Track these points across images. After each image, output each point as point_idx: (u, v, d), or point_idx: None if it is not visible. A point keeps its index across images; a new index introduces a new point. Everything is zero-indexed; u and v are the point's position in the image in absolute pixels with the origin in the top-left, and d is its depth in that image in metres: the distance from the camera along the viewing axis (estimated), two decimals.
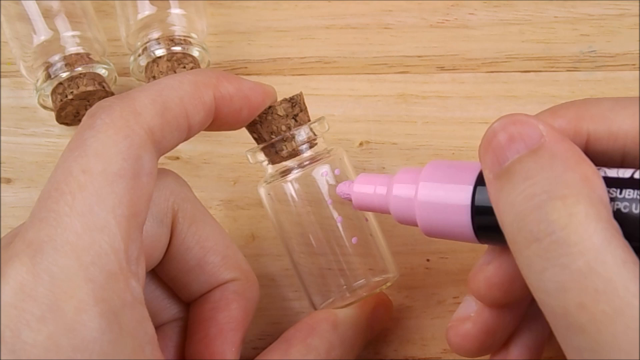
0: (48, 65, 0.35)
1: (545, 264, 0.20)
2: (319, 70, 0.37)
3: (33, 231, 0.22)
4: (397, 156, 0.35)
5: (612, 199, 0.21)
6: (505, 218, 0.22)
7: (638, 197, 0.21)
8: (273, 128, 0.29)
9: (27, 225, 0.23)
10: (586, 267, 0.19)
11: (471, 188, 0.24)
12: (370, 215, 0.31)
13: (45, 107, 0.36)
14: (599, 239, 0.20)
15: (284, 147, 0.29)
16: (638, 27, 0.36)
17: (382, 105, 0.36)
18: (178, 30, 0.35)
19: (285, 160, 0.30)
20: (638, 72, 0.36)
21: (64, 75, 0.34)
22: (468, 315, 0.26)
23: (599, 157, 0.24)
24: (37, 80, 0.35)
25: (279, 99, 0.30)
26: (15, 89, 0.38)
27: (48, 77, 0.34)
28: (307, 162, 0.30)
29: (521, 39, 0.36)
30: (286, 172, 0.30)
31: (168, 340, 0.29)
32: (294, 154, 0.30)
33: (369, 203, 0.27)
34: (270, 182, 0.30)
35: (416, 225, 0.26)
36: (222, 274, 0.29)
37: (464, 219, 0.24)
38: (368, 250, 0.30)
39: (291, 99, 0.30)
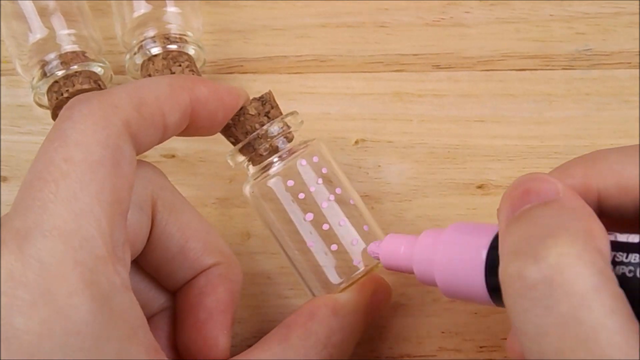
0: (44, 64, 0.35)
1: (528, 304, 0.19)
2: (315, 68, 0.37)
3: (19, 219, 0.22)
4: (392, 154, 0.35)
5: (618, 263, 0.21)
6: (501, 259, 0.21)
7: None
8: (247, 128, 0.30)
9: (11, 214, 0.23)
10: (569, 313, 0.18)
11: (485, 250, 0.23)
12: (355, 196, 0.31)
13: (41, 106, 0.36)
14: (587, 284, 0.19)
15: (260, 145, 0.30)
16: (633, 25, 0.36)
17: (378, 104, 0.36)
18: (174, 29, 0.35)
19: (265, 158, 0.30)
20: (633, 70, 0.36)
21: (60, 73, 0.34)
22: None
23: (613, 212, 0.23)
24: (33, 79, 0.35)
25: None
26: (11, 88, 0.38)
27: (44, 75, 0.34)
28: (285, 156, 0.30)
29: (517, 37, 0.37)
30: (266, 167, 0.30)
31: (159, 330, 0.29)
32: (272, 150, 0.30)
33: (396, 264, 0.27)
34: (253, 181, 0.30)
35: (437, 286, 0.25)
36: (205, 259, 0.29)
37: (478, 280, 0.24)
38: (357, 233, 0.30)
39: (261, 97, 0.30)
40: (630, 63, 0.36)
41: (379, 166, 0.35)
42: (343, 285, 0.30)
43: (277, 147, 0.30)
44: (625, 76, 0.36)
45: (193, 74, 0.34)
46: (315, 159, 0.30)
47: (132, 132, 0.25)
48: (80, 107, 0.24)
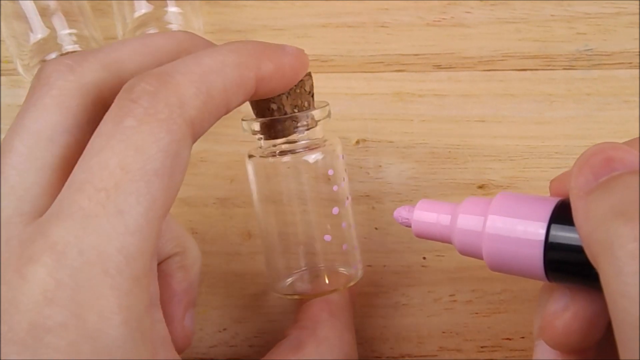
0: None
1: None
2: (315, 68, 0.37)
3: (58, 229, 0.21)
4: (393, 154, 0.35)
5: None
6: (594, 222, 0.20)
7: None
8: (298, 102, 0.28)
9: (51, 218, 0.21)
10: None
11: (545, 224, 0.23)
12: (350, 216, 0.31)
13: None
14: None
15: (303, 123, 0.28)
16: (634, 25, 0.36)
17: (379, 104, 0.36)
18: (174, 29, 0.35)
19: (285, 136, 0.29)
20: (634, 70, 0.36)
21: None
22: (566, 305, 0.24)
23: None
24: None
25: None
26: (12, 88, 0.38)
27: None
28: (300, 150, 0.29)
29: (517, 37, 0.36)
30: (282, 153, 0.29)
31: (169, 277, 0.28)
32: (293, 132, 0.29)
33: (430, 232, 0.26)
34: (263, 157, 0.29)
35: (481, 258, 0.25)
36: (161, 251, 0.28)
37: (536, 255, 0.23)
38: (337, 248, 0.30)
39: (310, 74, 0.29)
40: (631, 63, 0.36)
41: (380, 166, 0.35)
42: (303, 279, 0.30)
43: (301, 131, 0.29)
44: (626, 76, 0.36)
45: None
46: (330, 172, 0.30)
47: (194, 132, 0.23)
48: (145, 103, 0.22)
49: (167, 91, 0.22)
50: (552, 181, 0.25)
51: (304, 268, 0.30)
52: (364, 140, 0.36)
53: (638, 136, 0.24)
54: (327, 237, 0.29)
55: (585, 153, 0.22)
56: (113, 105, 0.23)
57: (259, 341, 0.33)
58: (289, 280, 0.30)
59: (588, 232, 0.21)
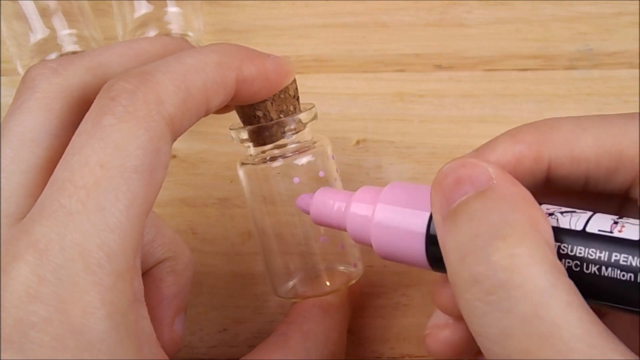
0: None
1: (487, 308, 0.19)
2: (315, 68, 0.37)
3: (40, 227, 0.21)
4: (393, 155, 0.35)
5: (564, 256, 0.21)
6: (448, 259, 0.21)
7: (589, 255, 0.20)
8: (283, 107, 0.28)
9: (34, 216, 0.22)
10: (530, 312, 0.19)
11: (428, 214, 0.23)
12: None
13: None
14: (542, 282, 0.19)
15: (290, 128, 0.28)
16: (634, 25, 0.36)
17: (379, 104, 0.36)
18: (175, 29, 0.35)
19: (273, 142, 0.29)
20: (634, 70, 0.36)
21: None
22: (446, 323, 0.26)
23: (562, 181, 0.23)
24: None
25: None
26: (12, 88, 0.38)
27: None
28: (290, 154, 0.29)
29: (518, 37, 0.36)
30: (272, 159, 0.29)
31: (159, 281, 0.28)
32: (281, 138, 0.29)
33: (326, 219, 0.27)
34: (254, 165, 0.29)
35: (371, 245, 0.25)
36: (152, 256, 0.28)
37: (418, 247, 0.23)
38: (334, 248, 0.30)
39: (294, 79, 0.29)
40: (631, 63, 0.36)
41: (380, 166, 0.35)
42: (305, 280, 0.30)
43: (288, 136, 0.29)
44: (627, 76, 0.36)
45: None
46: (321, 174, 0.30)
47: (173, 130, 0.23)
48: (124, 101, 0.22)
49: (145, 89, 0.23)
50: (431, 195, 0.24)
51: (303, 270, 0.30)
52: (364, 141, 0.36)
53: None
54: (323, 239, 0.29)
55: (440, 171, 0.22)
56: (93, 104, 0.23)
57: (259, 342, 0.33)
58: (290, 283, 0.30)
59: (447, 264, 0.21)
